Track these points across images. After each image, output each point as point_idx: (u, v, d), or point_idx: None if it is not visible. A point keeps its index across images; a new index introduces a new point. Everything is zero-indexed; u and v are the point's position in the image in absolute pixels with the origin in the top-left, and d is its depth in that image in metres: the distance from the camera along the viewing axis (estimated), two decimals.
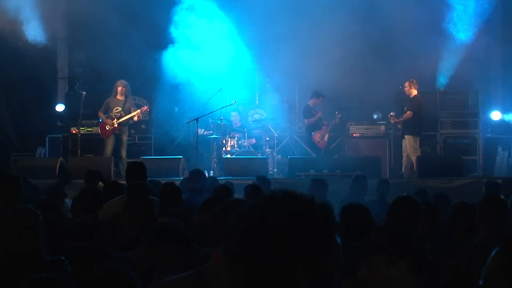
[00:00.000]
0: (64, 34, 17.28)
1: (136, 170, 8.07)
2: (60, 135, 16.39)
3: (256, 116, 16.82)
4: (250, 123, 16.56)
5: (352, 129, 16.05)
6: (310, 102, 15.75)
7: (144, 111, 15.31)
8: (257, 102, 17.09)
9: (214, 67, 16.08)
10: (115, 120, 14.75)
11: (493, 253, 2.51)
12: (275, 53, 16.54)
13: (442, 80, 16.74)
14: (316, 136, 15.54)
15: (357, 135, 15.89)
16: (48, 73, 17.60)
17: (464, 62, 16.16)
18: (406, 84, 14.84)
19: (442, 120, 16.23)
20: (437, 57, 16.53)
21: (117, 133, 14.89)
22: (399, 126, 15.08)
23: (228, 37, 16.66)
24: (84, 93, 15.41)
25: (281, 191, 1.82)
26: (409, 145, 14.66)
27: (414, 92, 14.82)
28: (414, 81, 14.86)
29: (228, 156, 14.79)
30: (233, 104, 15.93)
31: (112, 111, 14.85)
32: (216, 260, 2.97)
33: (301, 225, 1.74)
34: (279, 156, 15.70)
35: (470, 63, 16.02)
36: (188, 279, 2.94)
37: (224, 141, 15.27)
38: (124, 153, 14.84)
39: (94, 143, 15.53)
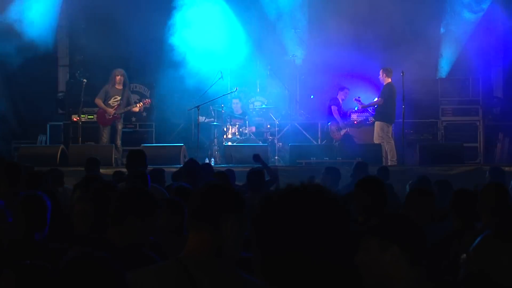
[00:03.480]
0: (65, 22, 17.21)
1: (136, 158, 8.03)
2: (61, 123, 16.39)
3: (257, 104, 16.78)
4: (251, 110, 16.53)
5: (352, 116, 15.88)
6: (338, 96, 15.67)
7: (147, 104, 15.34)
8: (258, 89, 17.04)
9: (215, 55, 16.09)
10: (116, 109, 14.74)
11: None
12: (275, 41, 16.56)
13: (443, 67, 16.65)
14: (333, 126, 15.44)
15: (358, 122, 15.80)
16: (49, 61, 17.54)
17: (465, 49, 16.12)
18: (380, 71, 14.80)
19: (443, 107, 16.18)
20: (438, 43, 16.49)
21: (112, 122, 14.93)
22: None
23: (228, 23, 16.67)
24: (85, 80, 15.35)
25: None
26: (376, 131, 14.63)
27: (388, 79, 14.73)
28: (389, 68, 14.77)
29: (229, 143, 14.79)
30: (234, 91, 15.88)
31: (110, 100, 14.84)
32: (192, 245, 2.91)
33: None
34: (280, 144, 15.68)
35: (471, 50, 15.95)
36: (168, 268, 2.85)
37: (225, 129, 15.26)
38: (119, 141, 14.86)
39: (95, 131, 15.45)
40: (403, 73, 14.41)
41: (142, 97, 16.25)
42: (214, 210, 2.88)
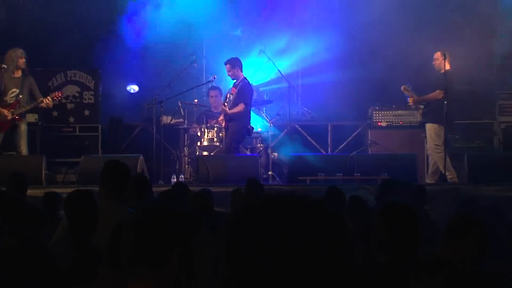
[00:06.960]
0: None
1: None
2: None
3: None
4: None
5: (375, 116, 16.19)
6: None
7: (56, 98, 15.11)
8: None
9: (185, 29, 16.33)
10: (13, 109, 14.54)
11: None
12: (269, 11, 16.48)
13: (501, 50, 16.65)
14: None
15: (384, 124, 16.06)
16: None
17: None
18: (438, 54, 14.87)
19: (501, 104, 16.51)
20: (494, 19, 16.45)
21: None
22: (419, 111, 15.20)
23: None
24: (5, 66, 15.02)
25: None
26: (430, 138, 14.70)
27: (447, 66, 14.78)
28: (448, 52, 14.85)
29: (205, 153, 14.67)
30: (212, 81, 15.93)
31: (7, 95, 14.66)
32: None
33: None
34: (275, 154, 15.65)
35: None
36: None
37: (199, 133, 15.14)
38: (24, 148, 14.73)
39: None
40: (445, 55, 14.50)
41: (83, 89, 16.29)
42: (155, 245, 2.78)
